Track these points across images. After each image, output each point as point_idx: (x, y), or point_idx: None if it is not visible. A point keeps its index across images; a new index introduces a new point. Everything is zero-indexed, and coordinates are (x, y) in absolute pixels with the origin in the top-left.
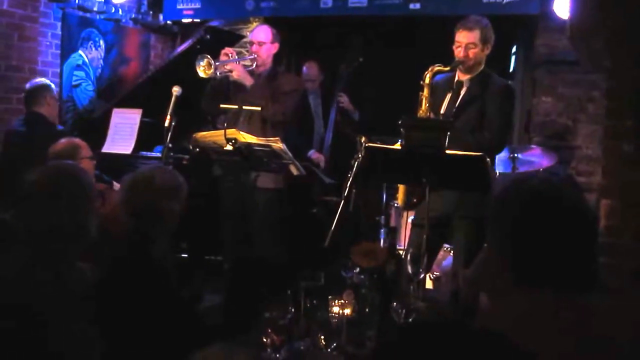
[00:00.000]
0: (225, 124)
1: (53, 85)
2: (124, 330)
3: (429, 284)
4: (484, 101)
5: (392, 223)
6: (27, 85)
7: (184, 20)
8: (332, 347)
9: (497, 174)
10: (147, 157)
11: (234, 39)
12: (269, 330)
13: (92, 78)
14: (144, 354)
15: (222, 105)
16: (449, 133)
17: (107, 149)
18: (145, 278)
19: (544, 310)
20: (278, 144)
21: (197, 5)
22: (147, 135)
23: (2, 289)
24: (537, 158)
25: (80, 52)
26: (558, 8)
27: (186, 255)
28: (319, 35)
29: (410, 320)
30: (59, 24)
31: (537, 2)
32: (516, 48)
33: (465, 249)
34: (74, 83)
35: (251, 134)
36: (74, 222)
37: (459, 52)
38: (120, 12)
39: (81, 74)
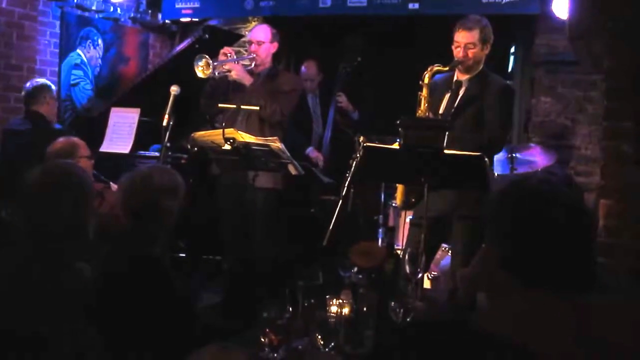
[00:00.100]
0: (224, 124)
1: (53, 86)
2: (122, 329)
3: (427, 284)
4: (483, 101)
5: (391, 223)
6: (28, 85)
7: (183, 20)
8: (330, 346)
9: (495, 174)
10: (146, 157)
11: (233, 38)
12: (267, 330)
13: (91, 77)
14: (142, 353)
15: (220, 105)
16: (447, 133)
17: (105, 148)
18: (143, 277)
19: (543, 310)
20: (276, 144)
21: (196, 5)
22: (144, 134)
23: (0, 287)
24: (535, 158)
25: (78, 51)
26: (557, 8)
27: (185, 255)
28: (317, 34)
29: (408, 320)
30: (57, 23)
31: (536, 2)
32: (515, 48)
33: (464, 248)
34: (72, 82)
35: (249, 134)
36: (73, 221)
37: (458, 52)
38: (118, 11)
39: (79, 73)
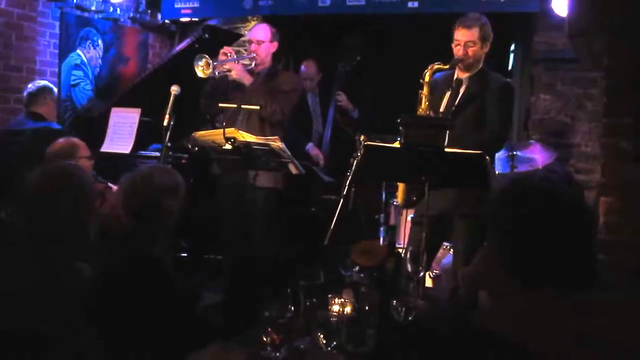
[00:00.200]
0: (224, 123)
1: (55, 88)
2: (123, 329)
3: (428, 282)
4: (483, 99)
5: (392, 221)
6: (29, 86)
7: (182, 19)
8: (332, 345)
9: (496, 172)
10: (146, 157)
11: (233, 38)
12: (269, 329)
13: (91, 77)
14: (143, 353)
15: (220, 105)
16: (448, 131)
17: (105, 148)
18: (144, 277)
19: (543, 309)
20: (277, 143)
21: (196, 4)
22: (143, 134)
23: (0, 287)
24: (535, 156)
25: (78, 51)
26: (556, 6)
27: (186, 255)
28: (316, 34)
29: (410, 318)
30: (57, 24)
31: (535, 0)
32: (514, 46)
33: (465, 247)
34: (72, 82)
35: (250, 133)
36: (73, 222)
37: (458, 50)
38: (118, 11)
39: (79, 73)
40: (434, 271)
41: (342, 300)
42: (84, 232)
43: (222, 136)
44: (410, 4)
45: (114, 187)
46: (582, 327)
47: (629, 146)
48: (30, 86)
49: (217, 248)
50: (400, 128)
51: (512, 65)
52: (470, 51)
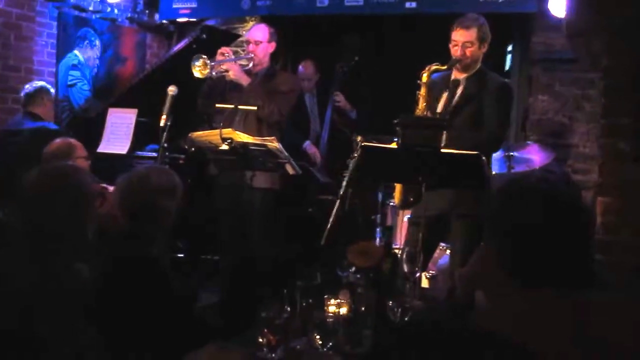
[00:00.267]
0: (221, 124)
1: (52, 89)
2: (122, 329)
3: (425, 283)
4: (481, 100)
5: (388, 222)
6: (26, 86)
7: (180, 20)
8: (329, 346)
9: (493, 173)
10: (143, 157)
11: (230, 38)
12: (265, 330)
13: (88, 77)
14: (141, 353)
15: (218, 105)
16: (445, 132)
17: (102, 148)
18: (142, 277)
19: (542, 309)
20: (274, 144)
21: (193, 5)
22: (139, 134)
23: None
24: (533, 156)
25: (76, 51)
26: (554, 6)
27: (183, 255)
28: (314, 34)
29: (406, 319)
30: (54, 24)
31: (533, 1)
32: (512, 46)
33: (462, 247)
34: (69, 82)
35: (247, 134)
36: (71, 222)
37: (455, 51)
38: (116, 11)
39: (77, 73)
40: (431, 272)
41: (339, 300)
42: (83, 233)
43: (219, 137)
44: (408, 4)
45: (110, 188)
46: (581, 327)
47: (627, 147)
48: (28, 87)
49: (215, 248)
50: (398, 128)
51: (510, 66)
52: (468, 51)
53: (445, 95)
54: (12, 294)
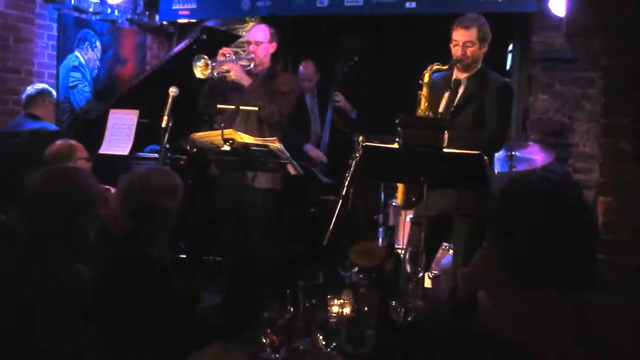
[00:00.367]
0: (223, 124)
1: (54, 92)
2: (123, 330)
3: (427, 283)
4: (482, 99)
5: (391, 222)
6: (28, 88)
7: (180, 21)
8: (332, 346)
9: (495, 172)
10: (145, 158)
11: (231, 39)
12: (268, 330)
13: (89, 79)
14: (142, 353)
15: (219, 106)
16: (447, 132)
17: (104, 150)
18: (144, 278)
19: (543, 309)
20: (275, 144)
21: (193, 6)
22: (139, 135)
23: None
24: (534, 155)
25: (76, 53)
26: (554, 5)
27: (185, 256)
28: (314, 34)
29: (409, 319)
30: (54, 25)
31: (533, 0)
32: (512, 46)
33: (465, 247)
34: (70, 84)
35: (248, 134)
36: (73, 224)
37: (456, 51)
38: (116, 12)
39: (77, 75)
40: (433, 272)
41: (342, 301)
42: (84, 234)
43: (220, 137)
44: (408, 4)
45: (112, 190)
46: (582, 327)
47: (628, 146)
48: (30, 88)
49: (217, 249)
50: (399, 128)
51: (510, 65)
52: (469, 51)
53: (446, 95)
54: (12, 294)
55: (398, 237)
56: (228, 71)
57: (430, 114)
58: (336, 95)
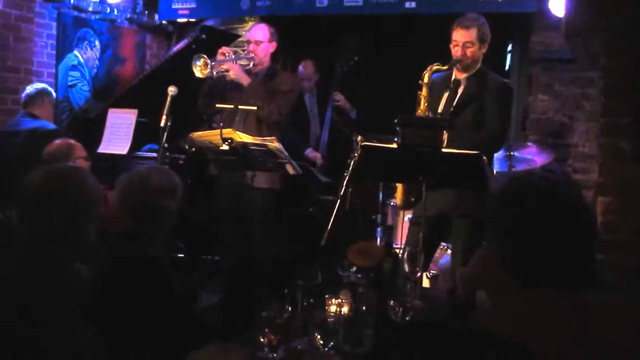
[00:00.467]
0: (221, 124)
1: (53, 91)
2: (122, 329)
3: (426, 283)
4: (482, 99)
5: (389, 222)
6: (28, 87)
7: (180, 20)
8: (330, 346)
9: (494, 172)
10: (144, 157)
11: (230, 38)
12: (266, 330)
13: (88, 78)
14: (141, 353)
15: (218, 105)
16: (447, 132)
17: (103, 149)
18: (142, 277)
19: (543, 309)
20: (274, 144)
21: (193, 5)
22: (138, 134)
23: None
24: (533, 156)
25: (75, 52)
26: (554, 6)
27: (183, 255)
28: (314, 34)
29: (407, 319)
30: (54, 24)
31: (533, 0)
32: (512, 46)
33: (464, 247)
34: (69, 83)
35: (247, 134)
36: (72, 224)
37: (456, 51)
38: (115, 12)
39: (76, 74)
40: (432, 271)
41: (340, 300)
42: (84, 234)
43: (219, 137)
44: (407, 4)
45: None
46: (582, 327)
47: (627, 146)
48: (29, 88)
49: (215, 249)
50: (398, 128)
51: (510, 66)
52: (469, 52)
53: (445, 96)
54: (12, 294)
55: (396, 237)
56: (227, 70)
57: (430, 114)
58: (335, 95)
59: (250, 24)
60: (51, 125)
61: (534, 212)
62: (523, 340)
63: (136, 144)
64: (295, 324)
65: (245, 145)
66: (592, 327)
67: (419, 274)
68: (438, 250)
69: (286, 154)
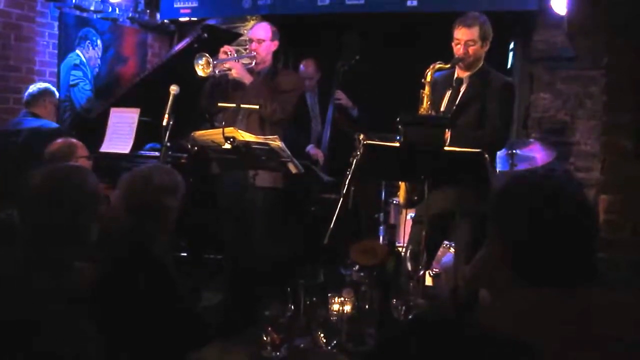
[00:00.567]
0: (224, 123)
1: (56, 92)
2: (123, 328)
3: (428, 281)
4: (484, 98)
5: (392, 220)
6: (30, 87)
7: (181, 19)
8: (332, 344)
9: (497, 171)
10: (146, 157)
11: (232, 37)
12: (269, 328)
13: (90, 77)
14: (143, 352)
15: (220, 104)
16: (449, 130)
17: (105, 148)
18: (144, 276)
19: (544, 308)
20: (276, 142)
21: (194, 4)
22: (140, 134)
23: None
24: (535, 154)
25: (77, 51)
26: (556, 4)
27: (185, 254)
28: (315, 33)
29: (410, 317)
30: (55, 24)
31: None
32: (514, 44)
33: (466, 246)
34: (71, 83)
35: (249, 133)
36: (74, 224)
37: (458, 50)
38: (117, 11)
39: (78, 73)
40: (434, 270)
41: (342, 299)
42: (85, 233)
43: (221, 136)
44: (409, 3)
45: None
46: (582, 326)
47: (629, 144)
48: (32, 87)
49: (217, 248)
50: (400, 127)
51: (512, 64)
52: (471, 50)
53: (448, 94)
54: (12, 294)
55: (399, 236)
56: (229, 69)
57: (433, 113)
58: (337, 94)
59: (252, 22)
60: (53, 125)
61: (536, 211)
62: (525, 338)
63: (138, 143)
64: (298, 323)
65: (247, 144)
66: (593, 326)
67: (421, 273)
68: (441, 249)
69: (288, 152)
